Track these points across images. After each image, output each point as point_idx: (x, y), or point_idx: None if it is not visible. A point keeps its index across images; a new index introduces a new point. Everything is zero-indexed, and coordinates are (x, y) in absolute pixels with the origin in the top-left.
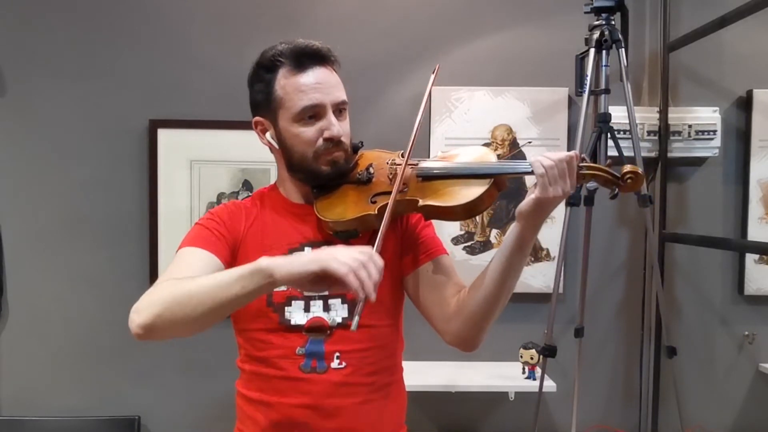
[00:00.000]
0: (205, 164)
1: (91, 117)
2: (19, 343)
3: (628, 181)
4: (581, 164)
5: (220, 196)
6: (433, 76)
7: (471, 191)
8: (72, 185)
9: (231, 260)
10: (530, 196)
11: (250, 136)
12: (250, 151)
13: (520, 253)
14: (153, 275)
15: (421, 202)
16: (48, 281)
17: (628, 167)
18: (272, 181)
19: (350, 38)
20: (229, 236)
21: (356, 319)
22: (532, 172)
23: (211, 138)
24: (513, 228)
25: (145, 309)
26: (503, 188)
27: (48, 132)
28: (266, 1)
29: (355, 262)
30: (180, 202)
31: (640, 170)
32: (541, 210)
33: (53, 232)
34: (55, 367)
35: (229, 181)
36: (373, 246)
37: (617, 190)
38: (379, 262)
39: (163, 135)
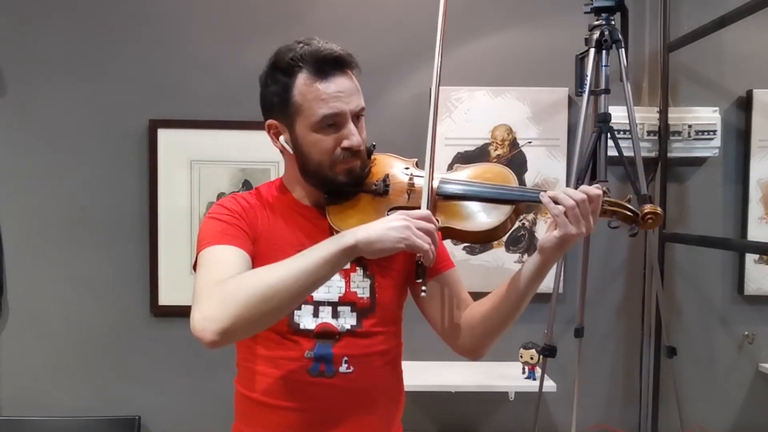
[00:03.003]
0: (205, 164)
1: (91, 117)
2: (19, 343)
3: (649, 221)
4: (604, 199)
5: (220, 196)
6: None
7: (492, 217)
8: (72, 185)
9: (253, 255)
10: (553, 233)
11: (250, 136)
12: (250, 151)
13: (539, 278)
14: (153, 275)
15: (441, 223)
16: (48, 281)
17: (648, 207)
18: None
19: (350, 38)
20: (249, 231)
21: (426, 284)
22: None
23: (211, 138)
24: (534, 259)
25: (220, 314)
26: (522, 213)
27: (48, 132)
28: (266, 1)
29: (428, 234)
30: (180, 202)
31: (659, 210)
32: (564, 245)
33: (53, 232)
34: (55, 367)
35: (229, 181)
36: (423, 207)
37: (637, 228)
38: (435, 222)
39: (163, 135)
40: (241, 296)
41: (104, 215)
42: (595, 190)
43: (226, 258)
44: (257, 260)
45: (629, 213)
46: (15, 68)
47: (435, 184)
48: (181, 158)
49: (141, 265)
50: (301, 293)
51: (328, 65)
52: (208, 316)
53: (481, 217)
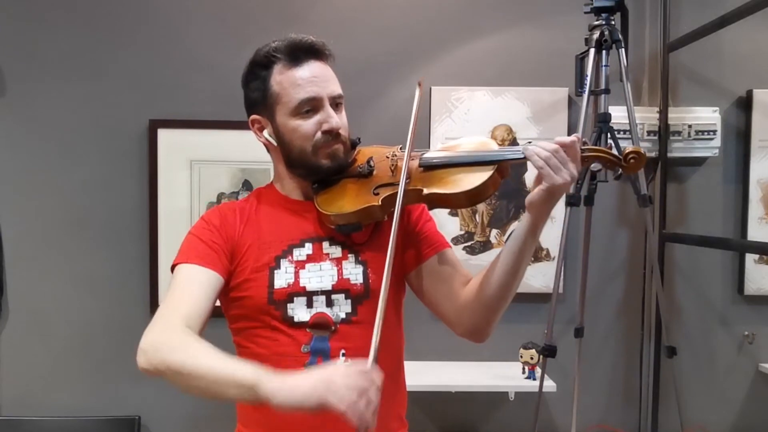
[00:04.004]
0: (205, 164)
1: (91, 117)
2: (19, 343)
3: (631, 161)
4: (583, 147)
5: (220, 196)
6: (418, 91)
7: (475, 178)
8: (72, 185)
9: (229, 265)
10: (539, 186)
11: (250, 136)
12: (250, 151)
13: (533, 238)
14: (153, 275)
15: (425, 191)
16: (48, 281)
17: (629, 148)
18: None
19: (350, 38)
20: (224, 244)
21: None
22: None
23: (211, 138)
24: (524, 218)
25: (151, 356)
26: (506, 175)
27: (48, 132)
28: (266, 1)
29: (354, 393)
30: (180, 202)
31: (642, 150)
32: (551, 197)
33: (53, 231)
34: (55, 367)
35: (229, 181)
36: (369, 356)
37: (620, 171)
38: (378, 380)
39: (163, 135)
40: (166, 358)
41: (104, 215)
42: (569, 138)
43: (192, 281)
44: (245, 264)
45: (611, 156)
46: (15, 68)
47: (418, 160)
48: (181, 158)
49: (141, 265)
50: (208, 394)
51: (302, 53)
52: (145, 348)
53: (463, 179)
